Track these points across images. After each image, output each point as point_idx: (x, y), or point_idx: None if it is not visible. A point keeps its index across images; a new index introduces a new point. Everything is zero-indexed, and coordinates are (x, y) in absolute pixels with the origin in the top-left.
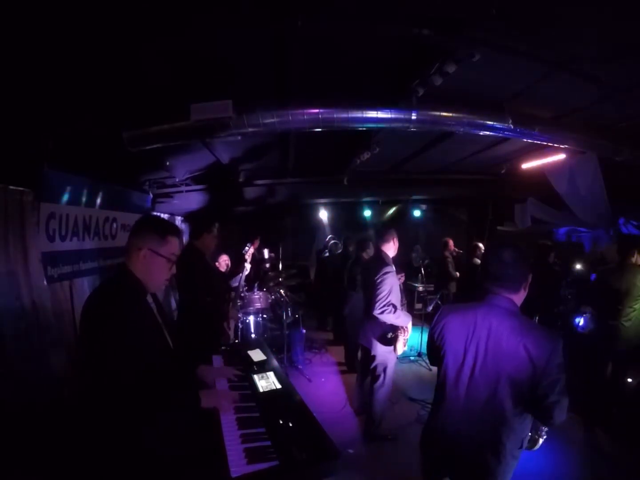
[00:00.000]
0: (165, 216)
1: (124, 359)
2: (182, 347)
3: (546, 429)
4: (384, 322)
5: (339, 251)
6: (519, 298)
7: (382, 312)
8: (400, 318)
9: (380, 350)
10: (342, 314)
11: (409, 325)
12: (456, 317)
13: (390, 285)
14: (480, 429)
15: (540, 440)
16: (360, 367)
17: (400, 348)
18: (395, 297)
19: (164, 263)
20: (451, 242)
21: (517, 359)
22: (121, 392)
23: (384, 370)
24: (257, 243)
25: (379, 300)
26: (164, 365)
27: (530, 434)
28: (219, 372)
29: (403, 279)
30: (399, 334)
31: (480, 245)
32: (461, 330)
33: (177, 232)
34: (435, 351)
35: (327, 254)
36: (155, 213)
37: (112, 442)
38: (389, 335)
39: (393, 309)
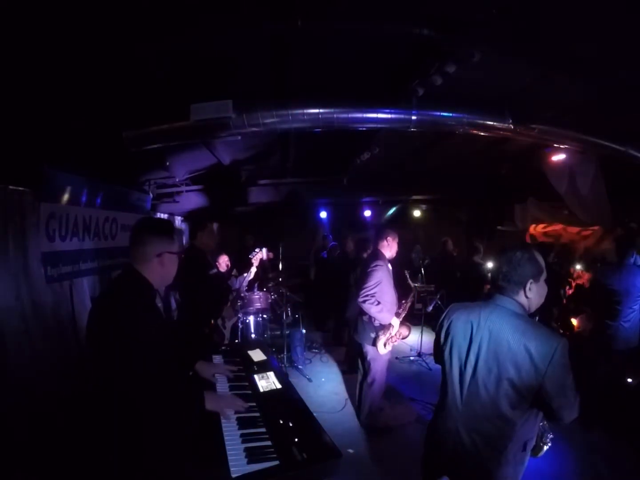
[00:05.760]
0: (165, 216)
1: (145, 359)
2: (182, 344)
3: (551, 436)
4: (374, 321)
5: (337, 253)
6: (525, 301)
7: (364, 301)
8: (383, 314)
9: (370, 347)
10: (346, 315)
11: (396, 325)
12: (462, 316)
13: (379, 278)
14: (481, 429)
15: (545, 448)
16: (360, 365)
17: (381, 347)
18: (385, 293)
19: (176, 259)
20: (450, 242)
21: (519, 360)
22: (140, 389)
23: (374, 366)
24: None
25: (364, 288)
26: (173, 363)
27: (534, 440)
28: (216, 369)
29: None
30: (381, 333)
31: (479, 245)
32: (465, 328)
33: (174, 226)
34: (441, 349)
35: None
36: (157, 214)
37: (114, 442)
38: (372, 335)
39: (376, 302)
